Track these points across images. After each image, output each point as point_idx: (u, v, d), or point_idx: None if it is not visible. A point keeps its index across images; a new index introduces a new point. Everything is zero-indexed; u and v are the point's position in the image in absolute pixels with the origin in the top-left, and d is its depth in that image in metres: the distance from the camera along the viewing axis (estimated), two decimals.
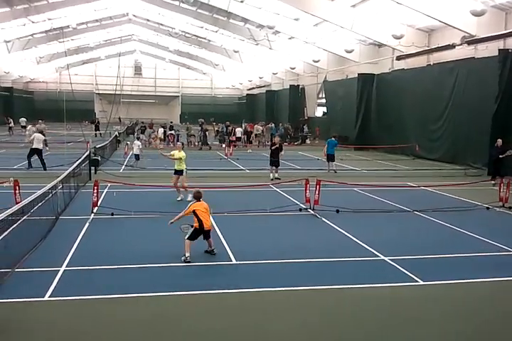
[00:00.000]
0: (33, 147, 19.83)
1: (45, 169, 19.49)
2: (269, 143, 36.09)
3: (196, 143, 33.11)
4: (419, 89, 27.23)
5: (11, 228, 8.57)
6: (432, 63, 27.57)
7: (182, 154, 14.43)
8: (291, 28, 35.71)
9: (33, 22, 43.32)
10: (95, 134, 38.82)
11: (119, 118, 45.79)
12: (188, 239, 8.77)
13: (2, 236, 8.06)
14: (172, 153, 14.74)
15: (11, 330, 6.01)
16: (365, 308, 6.92)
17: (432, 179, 18.98)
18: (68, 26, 46.14)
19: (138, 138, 23.69)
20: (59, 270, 8.08)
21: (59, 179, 12.13)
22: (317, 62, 39.75)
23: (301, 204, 13.31)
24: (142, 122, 38.22)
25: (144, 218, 11.90)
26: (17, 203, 10.37)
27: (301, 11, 30.60)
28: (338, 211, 12.82)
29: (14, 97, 60.49)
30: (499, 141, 18.44)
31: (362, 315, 6.68)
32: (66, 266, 8.29)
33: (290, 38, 40.19)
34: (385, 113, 30.91)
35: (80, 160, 16.15)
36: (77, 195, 14.26)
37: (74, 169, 14.55)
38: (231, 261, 8.84)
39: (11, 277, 7.62)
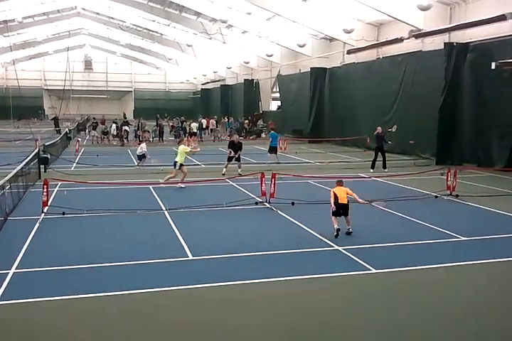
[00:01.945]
0: None
1: None
2: (225, 137, 36.23)
3: (151, 139, 32.64)
4: (370, 82, 27.85)
5: None
6: (381, 57, 28.23)
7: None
8: (244, 22, 35.70)
9: None
10: (56, 131, 37.55)
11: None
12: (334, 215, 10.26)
13: None
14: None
15: None
16: (323, 298, 7.06)
17: (383, 170, 19.49)
18: (13, 20, 44.32)
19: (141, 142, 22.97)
20: (8, 272, 7.81)
21: (6, 178, 11.69)
22: (270, 56, 39.92)
23: (257, 198, 13.40)
24: (94, 118, 37.27)
25: (96, 216, 11.66)
26: None
27: (254, 5, 30.63)
28: (293, 203, 12.98)
29: None
30: (379, 129, 19.54)
31: (319, 305, 6.81)
32: (16, 268, 8.02)
33: (243, 32, 40.16)
34: (338, 106, 31.46)
35: (28, 159, 15.61)
36: (26, 195, 13.81)
37: (22, 168, 14.06)
38: (187, 256, 8.81)
39: None
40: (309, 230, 10.62)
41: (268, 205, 12.89)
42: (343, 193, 10.61)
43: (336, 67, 32.47)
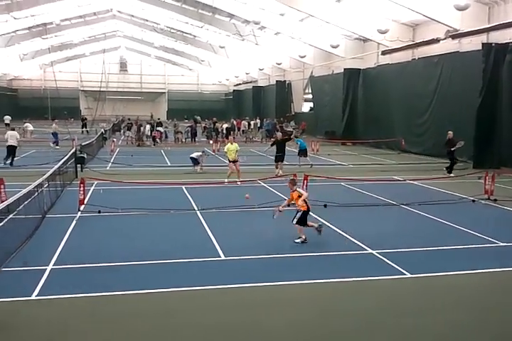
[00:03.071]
0: (9, 144, 20.43)
1: (11, 165, 20.08)
2: (256, 138, 36.30)
3: (183, 140, 32.97)
4: (405, 83, 27.40)
5: None
6: (416, 57, 27.73)
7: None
8: (277, 23, 35.68)
9: (15, 18, 42.63)
10: (82, 131, 38.44)
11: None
12: (299, 224, 9.59)
13: None
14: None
15: None
16: (356, 301, 6.97)
17: (418, 173, 19.13)
18: (51, 22, 45.53)
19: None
20: (46, 268, 8.01)
21: (45, 177, 12.01)
22: (303, 57, 39.77)
23: None
24: (128, 119, 37.92)
25: (131, 215, 11.84)
26: (2, 202, 10.26)
27: (287, 6, 30.58)
28: (325, 205, 12.87)
29: None
30: (450, 134, 18.67)
31: (352, 308, 6.73)
32: (53, 265, 8.22)
33: (276, 34, 40.14)
34: (371, 107, 31.07)
35: (65, 158, 16.00)
36: (63, 193, 14.14)
37: (60, 167, 14.42)
38: (220, 257, 8.84)
39: None
40: (342, 233, 10.50)
41: None
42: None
43: (370, 68, 32.09)
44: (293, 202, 10.00)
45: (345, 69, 33.35)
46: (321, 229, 9.85)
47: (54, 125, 30.14)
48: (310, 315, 6.52)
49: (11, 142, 20.55)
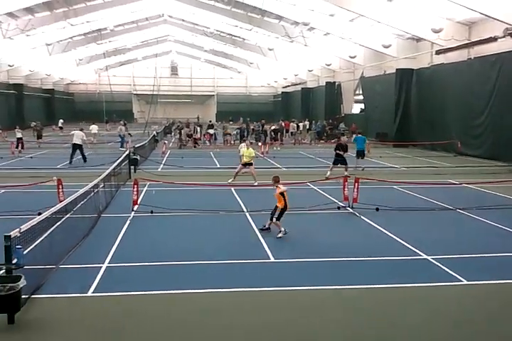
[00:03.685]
0: (73, 142, 22.01)
1: (85, 161, 21.98)
2: (305, 140, 36.09)
3: (232, 142, 33.20)
4: (460, 83, 26.45)
5: (56, 226, 8.80)
6: (472, 57, 26.72)
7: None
8: (327, 24, 35.33)
9: (72, 25, 44.46)
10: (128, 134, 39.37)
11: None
12: (277, 220, 10.15)
13: (47, 234, 8.27)
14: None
15: (56, 325, 6.17)
16: (407, 308, 6.76)
17: (475, 176, 18.39)
18: (106, 28, 47.17)
19: (244, 141, 23.01)
20: (101, 266, 8.24)
21: (100, 178, 12.39)
22: (353, 58, 39.20)
23: (340, 203, 13.14)
24: (179, 121, 38.64)
25: (182, 216, 12.01)
26: (60, 201, 10.64)
27: (337, 7, 30.24)
28: (377, 209, 12.59)
29: (55, 99, 62.28)
30: None
31: (403, 315, 6.52)
32: (108, 263, 8.45)
33: (325, 34, 39.77)
34: (425, 109, 30.19)
35: (120, 160, 16.45)
36: (117, 194, 14.53)
37: (114, 168, 14.84)
38: (269, 259, 8.81)
39: (56, 273, 7.83)
40: (395, 237, 10.22)
41: (351, 210, 12.59)
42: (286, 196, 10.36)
43: (423, 67, 31.20)
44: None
45: (397, 69, 32.58)
46: (281, 235, 10.07)
47: (121, 127, 31.16)
48: (359, 320, 6.37)
49: (76, 140, 21.92)
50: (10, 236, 6.14)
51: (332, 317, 6.49)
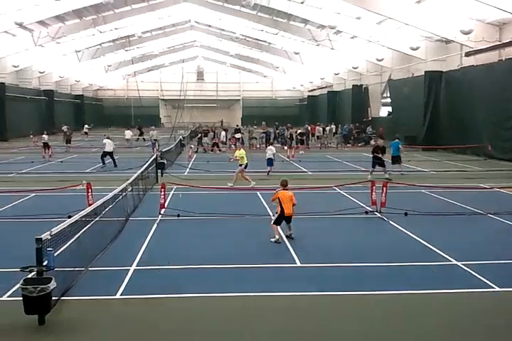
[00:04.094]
0: (105, 150, 22.78)
1: (115, 166, 22.49)
2: (331, 144, 35.84)
3: (258, 145, 33.23)
4: (491, 85, 25.85)
5: (85, 228, 8.93)
6: (503, 58, 26.12)
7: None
8: (353, 27, 35.15)
9: (100, 32, 45.43)
10: (137, 139, 39.99)
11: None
12: (274, 223, 10.02)
13: (77, 237, 8.40)
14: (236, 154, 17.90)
15: (85, 327, 6.24)
16: (437, 315, 6.59)
17: (507, 180, 17.90)
18: (134, 35, 47.99)
19: (271, 144, 23.23)
20: (129, 269, 8.32)
21: (128, 182, 12.55)
22: (381, 60, 38.86)
23: (367, 207, 12.98)
24: (206, 126, 38.91)
25: (209, 219, 12.04)
26: (90, 205, 10.81)
27: (364, 10, 30.04)
28: (406, 214, 12.37)
29: (85, 104, 63.57)
30: None
31: (433, 322, 6.36)
32: (136, 266, 8.53)
33: (352, 37, 39.57)
34: (455, 111, 29.61)
35: (147, 164, 16.64)
36: (145, 197, 14.67)
37: (142, 172, 15.01)
38: (296, 263, 8.75)
39: (85, 276, 7.93)
40: (424, 242, 10.02)
41: (379, 215, 12.41)
42: (289, 201, 10.02)
43: (452, 70, 30.64)
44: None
45: (426, 71, 32.09)
46: (278, 242, 9.89)
47: (154, 132, 31.60)
48: (386, 326, 6.24)
49: (108, 149, 22.68)
50: (41, 238, 6.26)
51: (359, 323, 6.38)
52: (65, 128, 37.32)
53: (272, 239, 9.89)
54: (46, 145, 27.56)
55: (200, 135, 33.29)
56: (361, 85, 45.58)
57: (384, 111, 44.50)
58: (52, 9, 34.20)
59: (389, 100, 40.76)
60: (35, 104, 49.28)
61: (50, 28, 39.80)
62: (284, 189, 10.20)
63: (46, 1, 32.99)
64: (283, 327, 6.25)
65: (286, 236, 10.22)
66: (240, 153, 17.90)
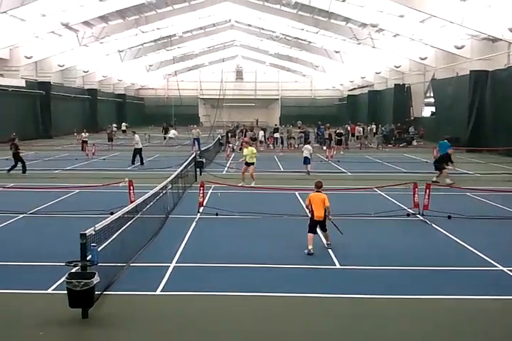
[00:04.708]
0: (137, 147, 22.94)
1: (142, 164, 22.56)
2: (372, 144, 35.24)
3: (296, 145, 33.06)
4: None
5: (127, 225, 9.09)
6: None
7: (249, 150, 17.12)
8: (396, 25, 34.46)
9: (143, 32, 46.26)
10: (164, 137, 40.43)
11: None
12: (308, 232, 9.29)
13: (119, 233, 8.55)
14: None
15: (126, 321, 6.35)
16: (481, 322, 6.36)
17: None
18: (175, 35, 48.66)
19: (308, 143, 22.95)
20: (169, 266, 8.42)
21: (169, 180, 12.71)
22: (424, 59, 37.96)
23: (409, 209, 12.67)
24: (244, 125, 39.04)
25: (247, 219, 12.04)
26: (131, 202, 11.00)
27: (407, 8, 29.39)
28: (449, 217, 12.02)
29: (126, 103, 64.94)
30: None
31: (476, 329, 6.16)
32: (176, 263, 8.62)
33: (394, 36, 38.82)
34: (501, 112, 28.56)
35: (186, 162, 16.81)
36: (184, 195, 14.82)
37: (181, 170, 15.17)
38: (335, 265, 8.64)
39: (127, 271, 8.07)
40: (468, 247, 9.72)
41: (421, 218, 12.11)
42: (320, 203, 9.30)
43: (499, 69, 29.56)
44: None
45: (471, 71, 31.10)
46: (310, 253, 9.10)
47: (195, 130, 32.09)
48: (427, 331, 6.07)
49: (138, 145, 22.84)
50: (85, 234, 6.39)
51: (397, 326, 6.24)
52: (114, 126, 38.39)
53: (305, 251, 9.14)
54: (85, 143, 28.45)
55: (227, 134, 33.34)
56: (403, 84, 44.62)
57: (427, 111, 43.45)
58: (96, 10, 35.06)
59: (432, 100, 39.78)
60: (79, 102, 50.72)
61: (95, 28, 40.82)
62: (317, 191, 9.56)
63: (91, 2, 33.85)
64: (322, 328, 6.17)
65: (325, 247, 9.49)
66: (248, 151, 17.29)
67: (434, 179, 17.47)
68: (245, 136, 33.95)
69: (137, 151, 22.81)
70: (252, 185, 16.42)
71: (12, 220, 11.69)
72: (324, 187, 15.77)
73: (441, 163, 17.96)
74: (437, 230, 11.08)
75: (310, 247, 9.13)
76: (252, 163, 17.13)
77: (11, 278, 7.85)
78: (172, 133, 36.05)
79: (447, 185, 16.24)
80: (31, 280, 7.73)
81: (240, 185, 16.24)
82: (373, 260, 8.89)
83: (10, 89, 36.34)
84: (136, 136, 23.38)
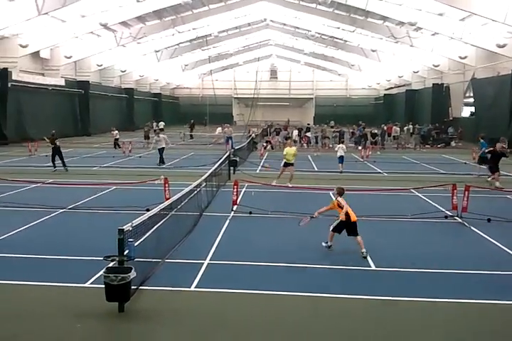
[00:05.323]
0: (161, 146, 22.65)
1: (163, 163, 22.26)
2: (409, 145, 34.58)
3: (331, 145, 32.77)
4: None
5: (162, 221, 9.19)
6: None
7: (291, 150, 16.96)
8: (435, 23, 33.74)
9: (179, 32, 46.80)
10: (190, 135, 40.48)
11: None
12: (332, 231, 9.24)
13: (154, 229, 8.65)
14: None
15: (162, 316, 6.42)
16: None
17: None
18: (210, 35, 49.01)
19: (342, 142, 22.61)
20: (203, 263, 8.47)
21: (203, 178, 12.79)
22: (464, 58, 37.01)
23: (447, 211, 12.36)
24: (277, 124, 38.98)
25: (281, 218, 12.00)
26: (167, 199, 11.13)
27: (447, 6, 28.70)
28: (489, 220, 11.66)
29: (162, 102, 65.87)
30: None
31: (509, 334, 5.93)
32: (210, 260, 8.67)
33: (433, 34, 37.99)
34: None
35: (220, 161, 16.89)
36: (218, 193, 14.90)
37: (215, 169, 15.24)
38: (370, 266, 8.52)
39: (162, 266, 8.16)
40: (508, 251, 9.39)
41: (459, 220, 11.80)
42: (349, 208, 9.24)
43: None
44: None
45: None
46: (364, 255, 8.87)
47: (228, 129, 32.28)
48: (461, 335, 5.88)
49: (163, 145, 22.59)
50: (123, 229, 6.49)
51: (432, 329, 6.09)
52: (155, 125, 38.99)
53: (324, 244, 9.30)
54: (117, 141, 29.12)
55: (250, 134, 33.29)
56: (442, 84, 43.58)
57: (466, 112, 42.34)
58: (134, 10, 35.71)
59: (472, 100, 38.74)
60: (116, 101, 51.76)
61: (132, 28, 41.58)
62: (339, 197, 9.41)
63: (129, 3, 34.47)
64: (353, 330, 6.09)
65: (362, 256, 8.91)
66: (290, 150, 17.04)
67: (489, 179, 17.07)
68: (278, 135, 33.95)
69: (160, 151, 22.59)
70: (289, 185, 16.28)
71: (52, 215, 12.01)
72: (359, 187, 15.75)
73: (494, 163, 17.30)
74: (476, 233, 10.77)
75: (330, 243, 9.31)
76: (292, 164, 16.91)
77: (50, 271, 8.06)
78: (218, 130, 35.39)
79: (496, 188, 15.77)
80: (69, 273, 7.91)
81: (273, 183, 16.16)
82: (409, 262, 8.70)
83: (50, 88, 37.46)
84: (161, 135, 23.37)
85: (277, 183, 16.35)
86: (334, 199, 9.62)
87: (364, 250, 8.93)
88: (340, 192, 9.54)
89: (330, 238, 9.32)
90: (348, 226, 9.12)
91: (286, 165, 16.89)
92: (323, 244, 9.35)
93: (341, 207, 9.26)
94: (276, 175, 17.13)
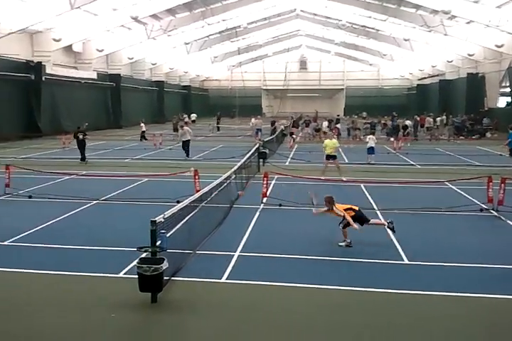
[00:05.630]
0: (185, 139, 22.64)
1: (187, 155, 22.27)
2: (442, 136, 33.78)
3: (361, 137, 32.35)
4: None
5: (192, 213, 9.26)
6: None
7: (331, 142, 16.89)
8: (470, 11, 32.64)
9: (208, 24, 46.79)
10: (217, 128, 40.43)
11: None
12: (344, 227, 9.10)
13: (185, 221, 8.73)
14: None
15: (193, 307, 6.49)
16: None
17: None
18: (240, 26, 48.84)
19: (372, 133, 22.62)
20: (234, 254, 8.51)
21: (233, 170, 12.81)
22: (500, 47, 35.78)
23: (482, 205, 12.05)
24: (307, 116, 38.72)
25: (310, 210, 11.83)
26: (197, 191, 11.20)
27: None
28: None
29: (192, 95, 66.22)
30: None
31: None
32: (240, 252, 8.70)
33: (468, 22, 36.85)
34: None
35: (250, 153, 16.88)
36: (247, 186, 14.91)
37: (245, 161, 15.24)
38: (403, 260, 8.39)
39: (193, 258, 8.24)
40: None
41: (495, 213, 11.49)
42: None
43: None
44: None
45: None
46: (392, 226, 9.36)
47: (257, 120, 32.14)
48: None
49: (188, 137, 22.61)
50: (155, 221, 6.56)
51: (472, 323, 5.95)
52: (193, 115, 39.06)
53: (341, 243, 9.09)
54: (143, 134, 29.55)
55: (273, 126, 32.96)
56: (477, 73, 42.32)
57: (502, 102, 41.06)
58: (164, 3, 35.84)
59: (508, 90, 37.52)
60: (147, 94, 52.29)
61: (162, 21, 41.79)
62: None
63: None
64: (382, 322, 6.03)
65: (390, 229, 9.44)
66: (330, 142, 16.95)
67: None
68: (307, 127, 33.68)
69: (185, 143, 22.62)
70: (343, 179, 15.96)
71: (85, 206, 12.26)
72: (392, 179, 15.49)
73: None
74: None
75: (349, 240, 9.12)
76: (335, 156, 16.89)
77: (84, 262, 8.22)
78: (252, 121, 35.08)
79: None
80: (103, 264, 8.06)
81: (322, 178, 15.93)
82: (443, 256, 8.55)
83: (83, 81, 38.12)
84: (185, 128, 23.43)
85: (326, 176, 16.14)
86: (327, 208, 9.27)
87: (348, 240, 9.05)
88: (329, 201, 9.16)
89: (345, 235, 9.11)
90: (358, 219, 9.08)
91: (329, 157, 16.87)
92: (341, 244, 9.08)
93: (340, 214, 9.10)
94: (307, 167, 17.01)
